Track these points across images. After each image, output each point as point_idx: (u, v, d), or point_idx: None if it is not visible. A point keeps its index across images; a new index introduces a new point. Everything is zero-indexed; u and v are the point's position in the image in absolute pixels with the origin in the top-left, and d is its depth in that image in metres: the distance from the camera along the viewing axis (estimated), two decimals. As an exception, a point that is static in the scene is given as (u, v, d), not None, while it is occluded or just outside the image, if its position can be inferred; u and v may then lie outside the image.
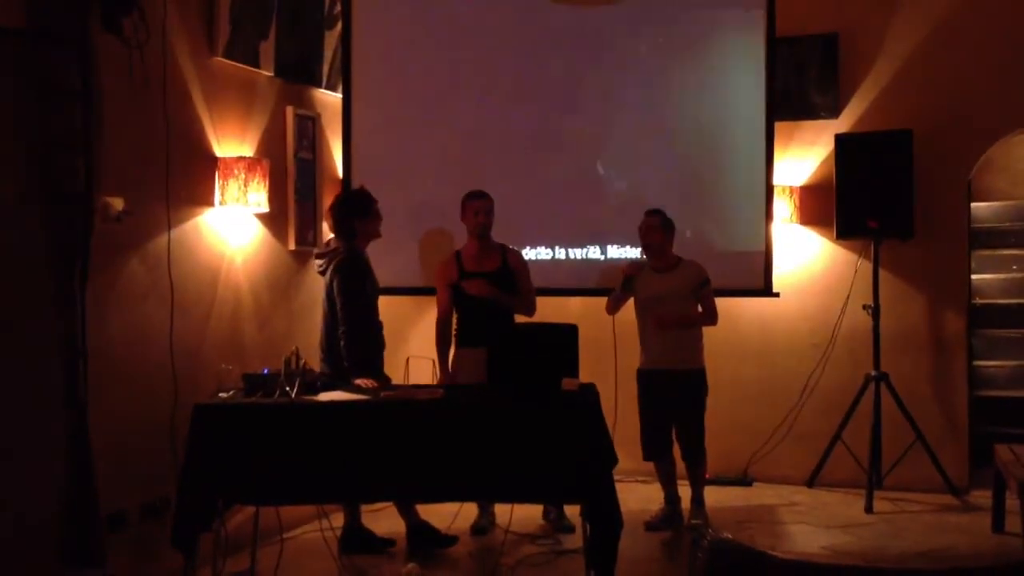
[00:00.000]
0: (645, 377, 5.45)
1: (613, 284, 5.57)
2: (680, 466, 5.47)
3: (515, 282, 5.39)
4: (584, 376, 4.46)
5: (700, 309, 5.44)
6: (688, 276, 5.41)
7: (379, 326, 5.10)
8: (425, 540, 5.03)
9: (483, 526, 5.35)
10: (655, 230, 5.42)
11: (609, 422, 4.40)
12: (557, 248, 6.00)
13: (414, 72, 6.08)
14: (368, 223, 5.05)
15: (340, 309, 4.89)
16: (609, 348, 5.61)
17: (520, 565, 4.81)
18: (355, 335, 4.85)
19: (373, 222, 5.08)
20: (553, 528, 5.37)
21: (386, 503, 5.28)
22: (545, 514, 5.47)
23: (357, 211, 5.03)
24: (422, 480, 4.24)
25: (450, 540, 5.03)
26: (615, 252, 5.93)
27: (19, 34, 3.98)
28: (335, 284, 4.93)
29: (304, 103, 5.74)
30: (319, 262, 5.13)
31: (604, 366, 5.51)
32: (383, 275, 5.24)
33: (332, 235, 5.21)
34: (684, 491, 5.48)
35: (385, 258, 5.43)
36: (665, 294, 5.38)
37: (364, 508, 5.21)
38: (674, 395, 5.37)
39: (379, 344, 5.10)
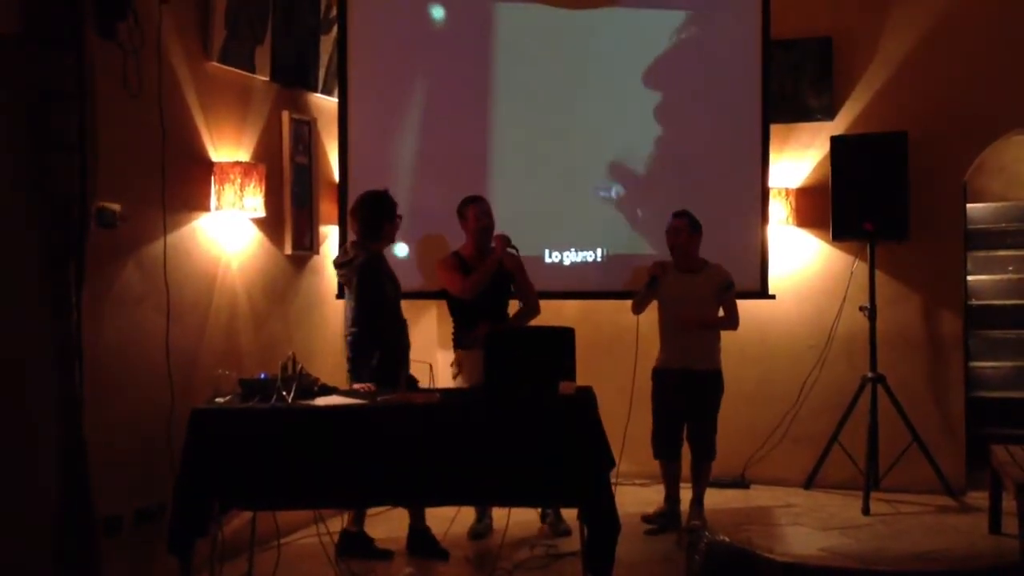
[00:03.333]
0: (660, 376, 5.47)
1: (612, 287, 5.58)
2: (685, 467, 5.48)
3: (512, 282, 5.40)
4: (581, 379, 4.46)
5: (722, 312, 5.46)
6: (712, 279, 5.44)
7: (403, 323, 5.10)
8: (422, 545, 5.03)
9: (480, 530, 5.34)
10: (681, 231, 5.45)
11: (620, 424, 4.38)
12: (553, 251, 5.99)
13: (411, 76, 6.08)
14: (394, 226, 5.06)
15: (352, 310, 4.88)
16: (604, 351, 5.62)
17: (518, 569, 4.81)
18: (361, 339, 4.84)
19: (396, 225, 5.08)
20: (551, 531, 5.36)
21: (384, 508, 5.27)
22: (542, 517, 5.46)
23: (387, 213, 5.02)
24: (419, 484, 4.23)
25: (442, 554, 5.01)
26: (611, 255, 5.93)
27: (15, 39, 3.99)
28: (353, 285, 4.91)
29: (300, 107, 5.74)
30: (341, 272, 5.06)
31: (600, 369, 5.48)
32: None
33: (351, 240, 5.11)
34: (685, 494, 5.48)
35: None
36: (688, 296, 5.40)
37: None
38: (689, 394, 5.39)
39: (404, 344, 5.07)
